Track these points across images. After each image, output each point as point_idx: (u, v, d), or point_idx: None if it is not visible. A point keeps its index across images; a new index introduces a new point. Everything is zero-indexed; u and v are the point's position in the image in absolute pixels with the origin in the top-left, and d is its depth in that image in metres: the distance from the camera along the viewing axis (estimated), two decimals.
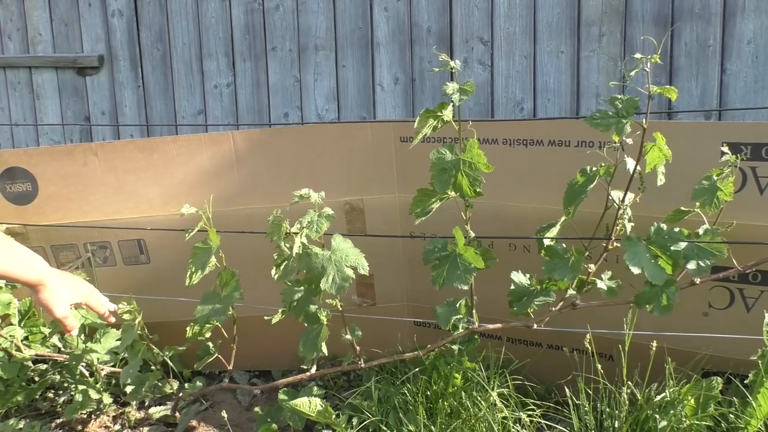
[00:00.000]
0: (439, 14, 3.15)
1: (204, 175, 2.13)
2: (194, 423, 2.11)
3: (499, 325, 1.72)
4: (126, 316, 1.82)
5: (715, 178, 1.54)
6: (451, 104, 1.54)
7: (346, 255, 1.57)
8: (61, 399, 2.19)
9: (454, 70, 1.50)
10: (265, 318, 1.84)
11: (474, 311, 1.70)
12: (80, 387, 2.06)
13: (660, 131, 1.51)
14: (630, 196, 1.57)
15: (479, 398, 1.74)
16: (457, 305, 1.71)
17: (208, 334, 1.86)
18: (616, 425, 1.63)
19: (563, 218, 1.62)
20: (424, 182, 1.61)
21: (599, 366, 1.67)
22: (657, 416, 1.58)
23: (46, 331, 2.20)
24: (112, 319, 1.60)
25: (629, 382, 1.65)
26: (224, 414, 1.89)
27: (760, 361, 1.53)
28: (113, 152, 2.15)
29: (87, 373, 2.10)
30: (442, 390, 1.81)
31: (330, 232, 1.64)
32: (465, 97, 1.49)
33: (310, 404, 1.77)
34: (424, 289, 2.11)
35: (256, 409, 1.98)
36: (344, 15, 3.30)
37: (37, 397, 2.19)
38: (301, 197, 1.60)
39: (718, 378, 1.59)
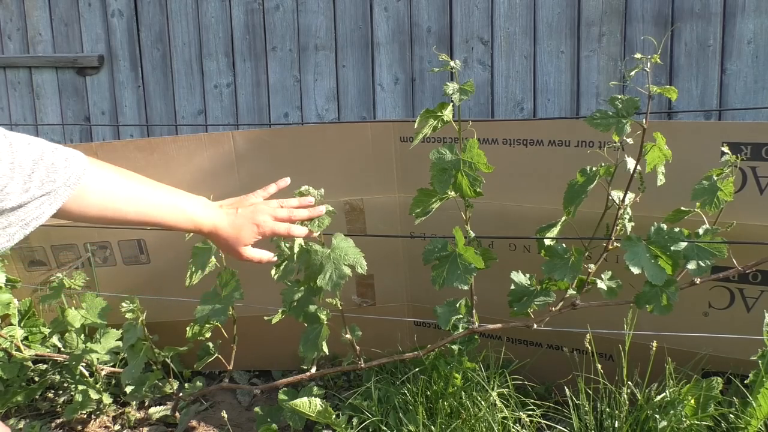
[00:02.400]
0: (439, 14, 3.14)
1: (204, 175, 2.13)
2: (194, 423, 2.11)
3: (499, 325, 1.72)
4: (128, 316, 1.82)
5: (715, 178, 1.54)
6: (451, 104, 1.54)
7: (345, 253, 1.57)
8: (61, 399, 2.19)
9: (454, 70, 1.50)
10: (265, 318, 1.84)
11: (474, 311, 1.70)
12: (80, 387, 2.06)
13: (660, 131, 1.51)
14: (630, 196, 1.57)
15: (479, 398, 1.74)
16: (457, 305, 1.71)
17: (208, 334, 1.87)
18: (616, 425, 1.63)
19: (563, 218, 1.62)
20: (424, 182, 1.61)
21: (599, 366, 1.67)
22: (657, 416, 1.58)
23: (46, 331, 2.21)
24: (306, 212, 1.33)
25: (629, 382, 1.65)
26: (224, 414, 1.89)
27: (760, 361, 1.54)
28: (113, 152, 2.15)
29: (87, 373, 2.10)
30: (442, 390, 1.81)
31: (330, 231, 1.64)
32: (465, 97, 1.49)
33: (310, 404, 1.77)
34: (424, 289, 2.11)
35: (256, 409, 1.98)
36: (344, 15, 3.30)
37: (37, 397, 2.19)
38: (301, 194, 1.60)
39: (718, 378, 1.59)
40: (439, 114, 1.54)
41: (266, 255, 1.26)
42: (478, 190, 1.56)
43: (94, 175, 0.93)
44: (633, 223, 1.59)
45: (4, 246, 0.81)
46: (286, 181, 1.37)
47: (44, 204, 0.84)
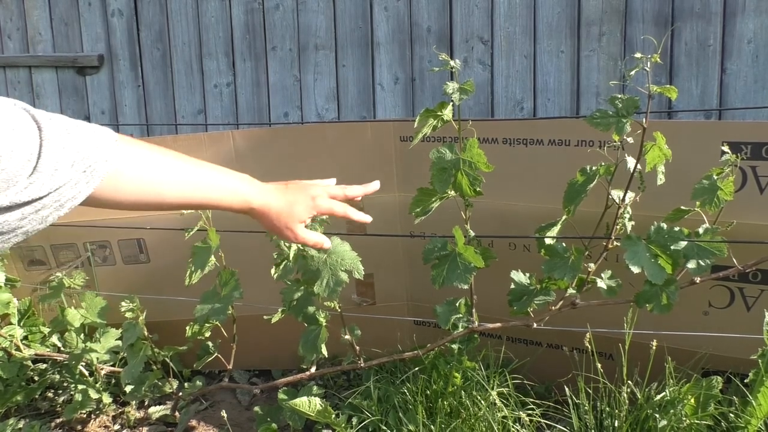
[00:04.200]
0: (439, 14, 3.14)
1: None
2: (194, 422, 2.11)
3: (498, 324, 1.72)
4: (128, 315, 1.82)
5: (715, 177, 1.54)
6: (451, 103, 1.54)
7: (342, 258, 1.57)
8: (61, 399, 2.19)
9: (454, 70, 1.50)
10: (265, 317, 1.84)
11: (474, 310, 1.70)
12: (80, 387, 2.06)
13: (660, 131, 1.51)
14: (630, 195, 1.57)
15: (479, 397, 1.74)
16: (457, 304, 1.71)
17: (207, 334, 1.86)
18: (616, 424, 1.63)
19: (563, 217, 1.62)
20: (424, 182, 1.61)
21: (599, 365, 1.67)
22: (657, 415, 1.58)
23: (46, 330, 2.21)
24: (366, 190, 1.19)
25: (629, 382, 1.65)
26: (224, 413, 1.89)
27: (760, 360, 1.53)
28: None
29: (87, 373, 2.10)
30: (441, 389, 1.81)
31: (330, 231, 1.64)
32: (465, 97, 1.49)
33: (309, 404, 1.77)
34: (424, 289, 2.11)
35: (256, 408, 1.98)
36: (344, 14, 3.30)
37: (36, 396, 2.19)
38: None
39: (718, 377, 1.59)
40: (439, 113, 1.54)
41: (325, 240, 1.11)
42: (478, 189, 1.56)
43: (128, 151, 0.82)
44: (633, 223, 1.59)
45: (36, 229, 0.72)
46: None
47: (80, 183, 0.74)
